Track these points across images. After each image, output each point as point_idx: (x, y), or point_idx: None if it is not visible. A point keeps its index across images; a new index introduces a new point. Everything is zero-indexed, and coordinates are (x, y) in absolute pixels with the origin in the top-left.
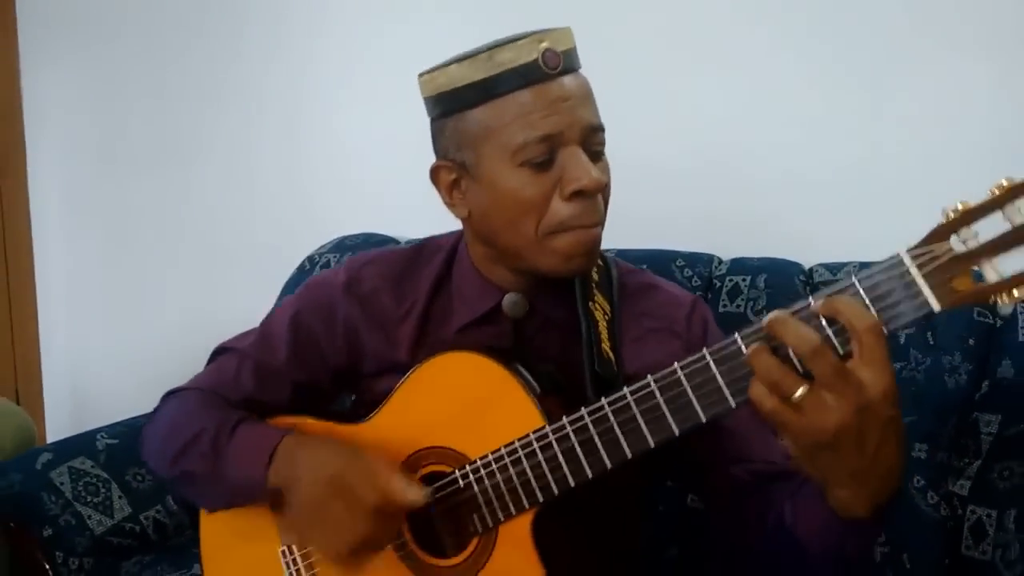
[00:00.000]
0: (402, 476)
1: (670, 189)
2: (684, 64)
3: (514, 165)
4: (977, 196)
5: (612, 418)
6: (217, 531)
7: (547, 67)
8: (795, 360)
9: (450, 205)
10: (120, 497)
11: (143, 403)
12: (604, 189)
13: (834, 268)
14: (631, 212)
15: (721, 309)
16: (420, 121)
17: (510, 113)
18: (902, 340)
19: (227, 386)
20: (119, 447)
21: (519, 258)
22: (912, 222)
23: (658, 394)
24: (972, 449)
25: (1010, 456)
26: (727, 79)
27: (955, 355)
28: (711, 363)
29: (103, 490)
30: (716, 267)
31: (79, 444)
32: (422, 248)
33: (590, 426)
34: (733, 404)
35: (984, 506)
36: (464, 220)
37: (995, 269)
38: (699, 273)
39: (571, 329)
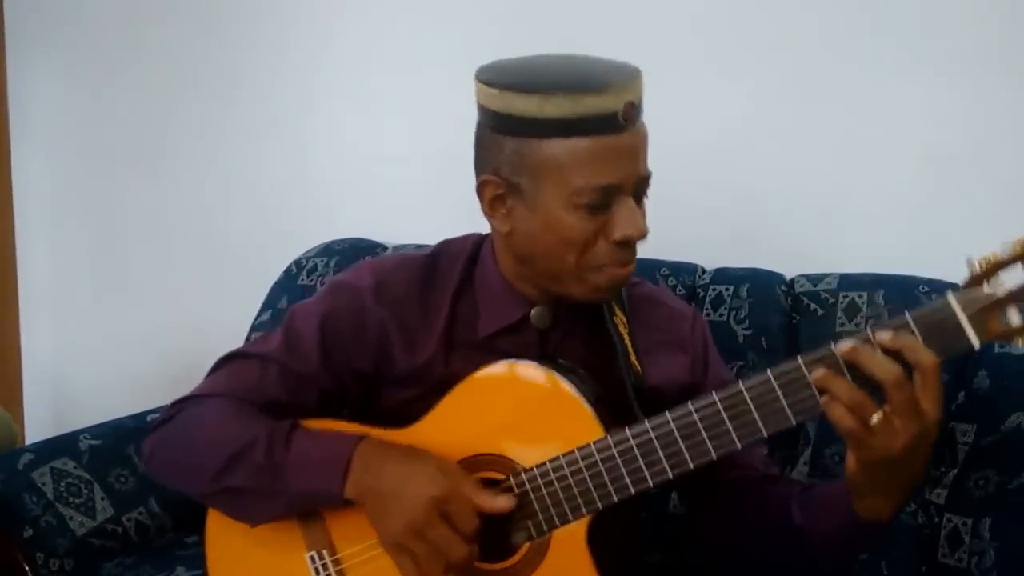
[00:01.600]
0: (488, 489)
1: (655, 199)
2: (668, 77)
3: (571, 204)
4: (953, 208)
5: (676, 432)
6: (227, 534)
7: (625, 121)
8: (863, 387)
9: (490, 217)
10: (102, 498)
11: (126, 404)
12: (645, 238)
13: (815, 279)
14: None
15: (704, 318)
16: (410, 126)
17: (579, 157)
18: None
19: (251, 391)
20: (102, 448)
21: (554, 282)
22: (892, 235)
23: (723, 411)
24: (949, 458)
25: (986, 465)
26: (712, 92)
27: None
28: (775, 384)
29: (85, 491)
30: (699, 277)
31: (62, 445)
32: (440, 254)
33: (654, 439)
34: (794, 422)
35: (960, 514)
36: (503, 234)
37: (1018, 312)
38: (683, 282)
39: (592, 342)
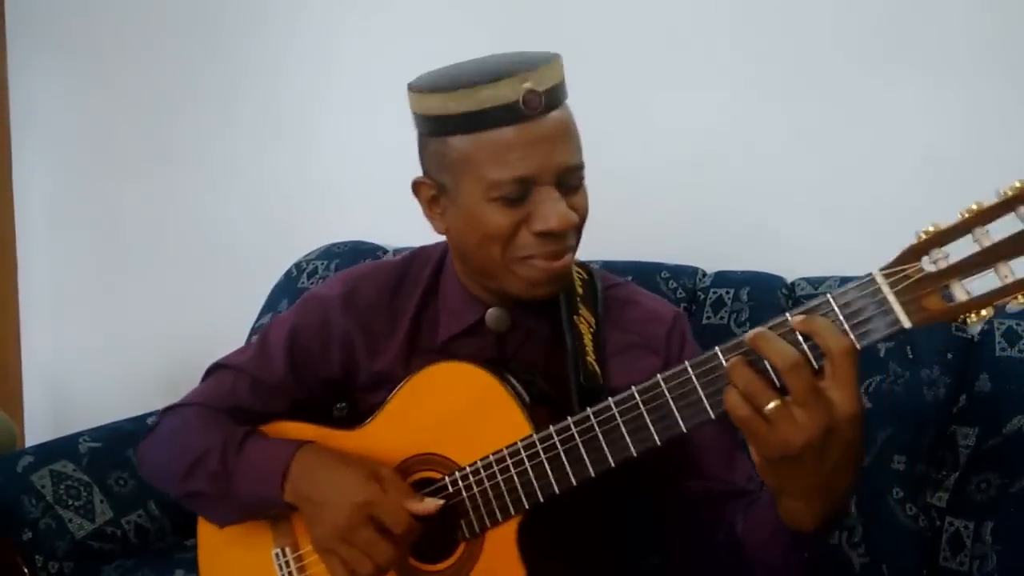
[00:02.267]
0: (416, 492)
1: (656, 202)
2: (669, 77)
3: (487, 199)
4: (954, 209)
5: (597, 428)
6: (213, 535)
7: (527, 108)
8: (772, 375)
9: (429, 218)
10: (102, 501)
11: (125, 407)
12: (572, 228)
13: (816, 282)
14: (617, 225)
15: (705, 321)
16: (408, 130)
17: (487, 150)
18: (881, 353)
19: (224, 401)
20: (102, 451)
21: (489, 278)
22: (894, 237)
23: (641, 405)
24: (950, 461)
25: (987, 468)
26: (712, 93)
27: (934, 369)
28: (692, 375)
29: (85, 494)
30: (700, 280)
31: (61, 447)
32: (412, 259)
33: (576, 435)
34: (712, 415)
35: (962, 518)
36: (444, 235)
37: (964, 289)
38: (683, 285)
39: (555, 342)
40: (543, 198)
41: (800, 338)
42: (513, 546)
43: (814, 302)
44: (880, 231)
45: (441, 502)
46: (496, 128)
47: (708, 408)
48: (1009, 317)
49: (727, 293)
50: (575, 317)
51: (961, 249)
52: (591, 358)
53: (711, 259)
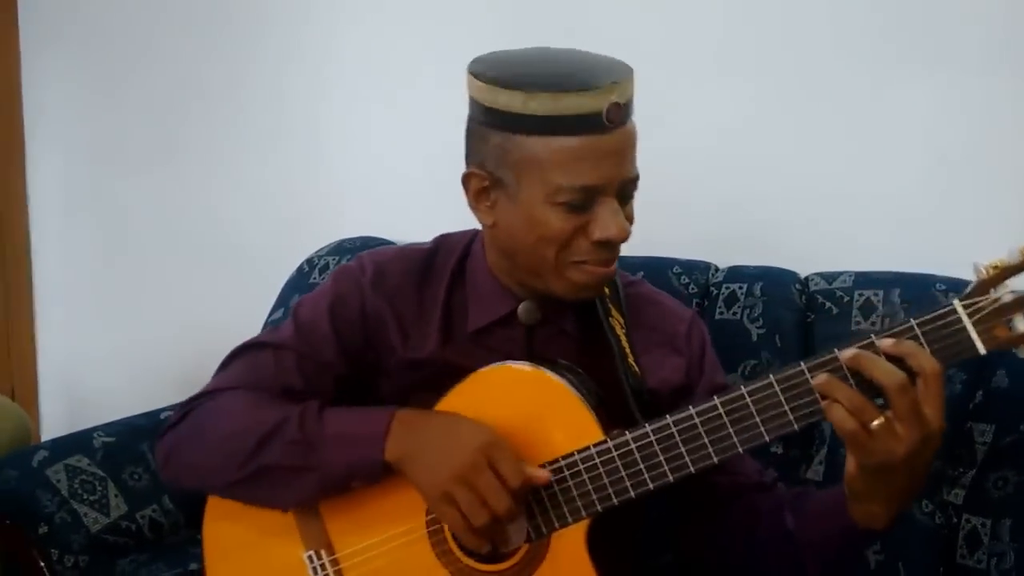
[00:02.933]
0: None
1: (668, 197)
2: (682, 74)
3: (550, 202)
4: (967, 206)
5: (677, 435)
6: (225, 534)
7: (609, 121)
8: (858, 390)
9: (475, 210)
10: (116, 495)
11: (139, 402)
12: (627, 238)
13: (830, 277)
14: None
15: (718, 316)
16: (420, 124)
17: (560, 156)
18: None
19: (267, 381)
20: (116, 445)
21: (535, 277)
22: (907, 233)
23: (724, 415)
24: (967, 458)
25: (1004, 465)
26: (726, 89)
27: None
28: (777, 388)
29: (99, 488)
30: (713, 275)
31: (76, 442)
32: (438, 247)
33: (654, 442)
34: (796, 427)
35: (979, 515)
36: (488, 227)
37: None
38: (696, 281)
39: (584, 340)
40: (604, 208)
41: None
42: (583, 549)
43: (897, 328)
44: (893, 226)
45: (551, 475)
46: (575, 135)
47: (792, 420)
48: None
49: (740, 288)
50: (610, 319)
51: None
52: (631, 359)
53: (724, 254)
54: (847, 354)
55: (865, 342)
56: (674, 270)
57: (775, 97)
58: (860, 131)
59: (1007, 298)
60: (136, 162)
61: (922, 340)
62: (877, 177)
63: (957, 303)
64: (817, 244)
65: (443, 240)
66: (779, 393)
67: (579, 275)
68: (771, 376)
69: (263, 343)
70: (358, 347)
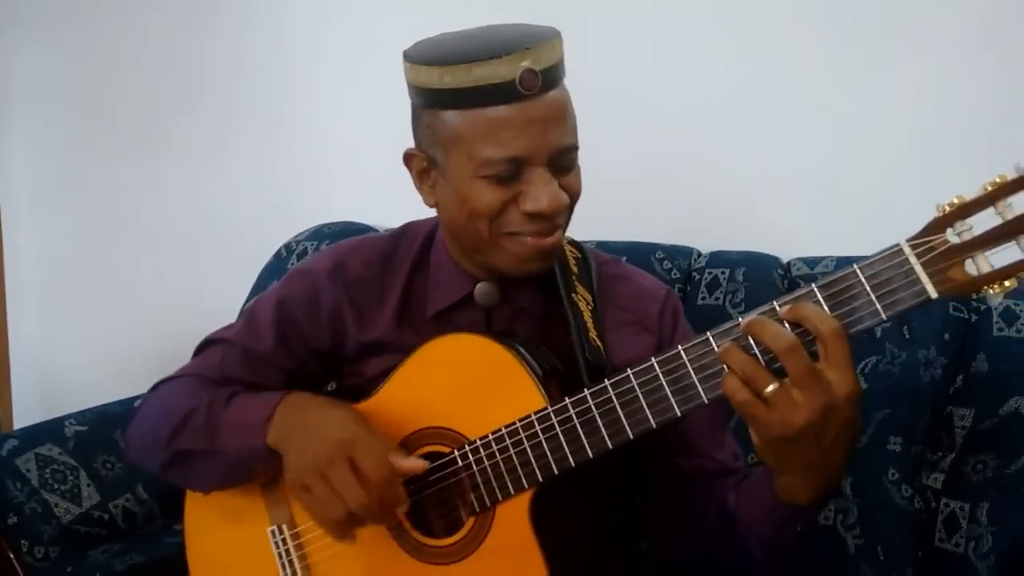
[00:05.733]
0: (401, 450)
1: (651, 183)
2: (666, 56)
3: (477, 176)
4: (951, 190)
5: (615, 399)
6: (202, 514)
7: (524, 88)
8: (763, 361)
9: (419, 190)
10: (88, 485)
11: (114, 390)
12: (563, 210)
13: (811, 262)
14: (612, 205)
15: (700, 301)
16: (399, 109)
17: (481, 127)
18: (879, 334)
19: (214, 372)
20: (88, 434)
21: (477, 253)
22: (890, 218)
23: (637, 388)
24: (946, 442)
25: (983, 450)
26: (708, 74)
27: (930, 349)
28: (685, 359)
29: (71, 478)
30: (695, 260)
31: (46, 430)
32: (403, 233)
33: (592, 407)
34: (706, 400)
35: (957, 499)
36: (433, 208)
37: (987, 261)
38: (678, 266)
39: (546, 318)
40: (534, 179)
41: (788, 327)
42: (526, 520)
43: (839, 272)
44: (877, 212)
45: (426, 464)
46: (490, 106)
47: (702, 393)
48: (1007, 296)
49: (722, 273)
50: (573, 295)
51: (984, 222)
52: (593, 334)
53: (706, 239)
54: (745, 320)
55: (766, 308)
56: (657, 255)
57: (758, 83)
58: (842, 117)
59: (965, 236)
60: (112, 147)
61: (824, 305)
62: (859, 163)
63: (903, 242)
64: (799, 229)
65: (408, 227)
66: (687, 364)
67: (516, 247)
68: (679, 347)
69: (216, 339)
70: (306, 342)
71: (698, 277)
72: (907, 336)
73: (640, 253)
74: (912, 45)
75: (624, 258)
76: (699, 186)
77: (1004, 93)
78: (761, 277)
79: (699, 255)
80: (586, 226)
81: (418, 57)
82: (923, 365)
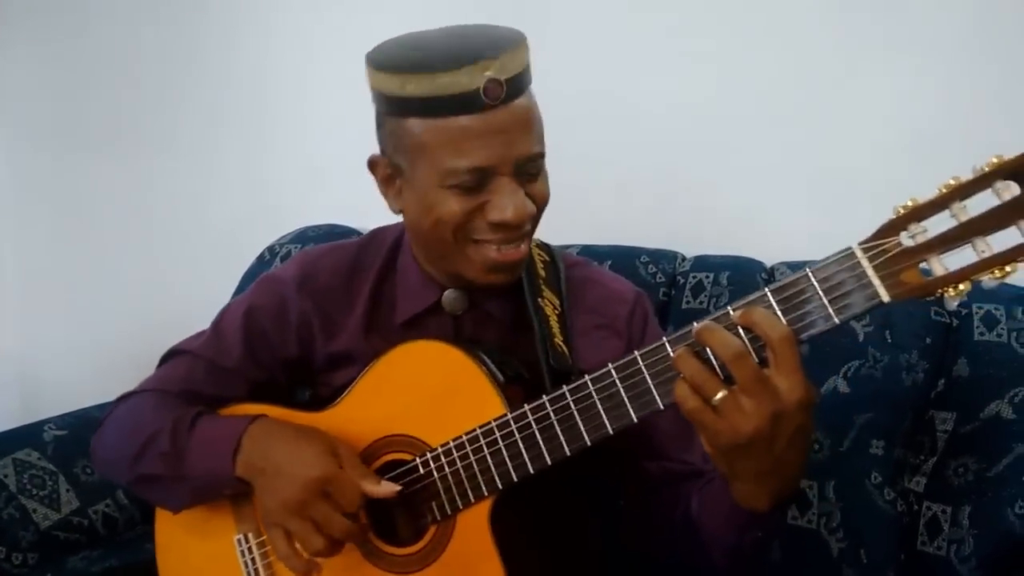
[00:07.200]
0: (374, 474)
1: (635, 186)
2: (648, 62)
3: (442, 185)
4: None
5: (573, 405)
6: (171, 523)
7: (488, 98)
8: (718, 367)
9: (384, 196)
10: (68, 490)
11: (95, 394)
12: (529, 219)
13: (795, 267)
14: (596, 209)
15: (684, 305)
16: None
17: (444, 137)
18: (860, 338)
19: (179, 386)
20: (68, 438)
21: (444, 261)
22: (874, 223)
23: (618, 382)
24: (928, 446)
25: (965, 453)
26: (693, 79)
27: (912, 353)
28: (641, 365)
29: (49, 483)
30: (680, 264)
31: (25, 435)
32: (370, 240)
33: (551, 413)
34: (661, 406)
35: (939, 502)
36: (399, 215)
37: (942, 264)
38: (663, 270)
39: (514, 324)
40: (500, 188)
41: (741, 331)
42: (486, 528)
43: (792, 276)
44: (861, 217)
45: (398, 487)
46: (454, 116)
47: (657, 399)
48: (988, 301)
49: (707, 278)
50: (539, 300)
51: (939, 224)
52: (559, 340)
53: (691, 243)
54: (697, 326)
55: (720, 313)
56: (641, 259)
57: (744, 86)
58: (827, 121)
59: (919, 238)
60: (96, 148)
61: (776, 309)
62: (844, 167)
63: (856, 245)
64: (783, 234)
65: (376, 233)
66: (644, 370)
67: (482, 257)
68: (636, 352)
69: (182, 350)
70: (274, 353)
71: (683, 281)
72: (889, 340)
73: (625, 257)
74: (901, 49)
75: (609, 262)
76: (684, 190)
77: (992, 98)
78: (745, 281)
79: (684, 259)
80: (570, 231)
81: (380, 63)
82: (905, 369)
